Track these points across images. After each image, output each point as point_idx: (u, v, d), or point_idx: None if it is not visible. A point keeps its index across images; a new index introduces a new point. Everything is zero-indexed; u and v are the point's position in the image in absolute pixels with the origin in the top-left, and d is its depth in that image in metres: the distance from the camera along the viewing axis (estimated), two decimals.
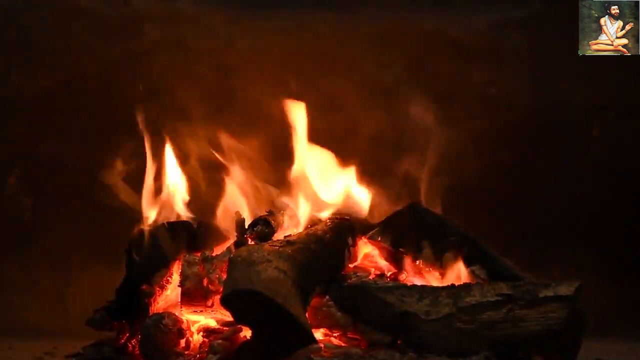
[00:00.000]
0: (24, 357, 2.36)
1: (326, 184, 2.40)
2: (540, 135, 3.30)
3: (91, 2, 3.29)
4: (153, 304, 2.14)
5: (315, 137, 2.62)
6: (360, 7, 2.91)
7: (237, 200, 2.38)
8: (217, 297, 2.06)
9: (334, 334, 2.06)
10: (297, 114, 2.40)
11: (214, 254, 2.17)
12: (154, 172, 2.38)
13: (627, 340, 2.73)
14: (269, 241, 2.10)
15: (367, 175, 2.45)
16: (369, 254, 2.28)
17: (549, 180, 3.28)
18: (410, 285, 2.11)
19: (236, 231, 2.22)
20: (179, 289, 2.13)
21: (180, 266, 2.17)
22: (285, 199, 2.35)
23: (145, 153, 2.41)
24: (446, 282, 2.16)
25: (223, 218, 2.34)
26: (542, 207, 3.25)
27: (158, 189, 2.38)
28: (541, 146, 3.30)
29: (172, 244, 2.24)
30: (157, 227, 2.26)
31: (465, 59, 3.28)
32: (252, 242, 2.15)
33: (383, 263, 2.26)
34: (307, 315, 1.94)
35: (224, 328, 2.04)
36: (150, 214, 2.32)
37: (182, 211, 2.36)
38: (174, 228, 2.27)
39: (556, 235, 3.21)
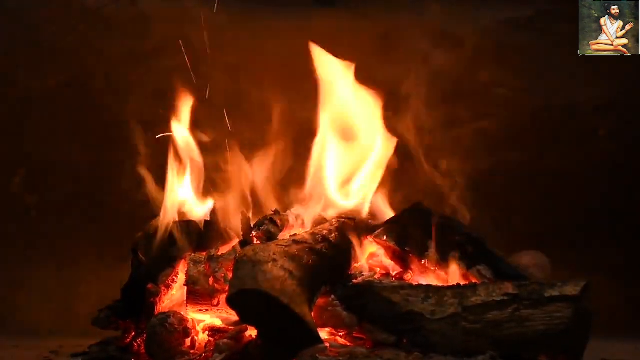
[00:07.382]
0: (30, 355, 2.37)
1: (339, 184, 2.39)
2: (546, 135, 3.29)
3: (98, 2, 3.30)
4: (159, 303, 2.15)
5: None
6: (366, 6, 2.91)
7: (243, 200, 2.38)
8: (222, 296, 2.06)
9: (340, 334, 2.05)
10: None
11: (219, 253, 2.17)
12: (167, 173, 2.38)
13: (634, 341, 2.72)
14: (275, 240, 2.10)
15: None
16: (374, 254, 2.28)
17: (555, 179, 3.27)
18: (416, 284, 2.11)
19: (242, 230, 2.22)
20: (185, 288, 2.13)
21: (186, 265, 2.17)
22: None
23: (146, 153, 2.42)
24: (451, 281, 2.16)
25: (229, 217, 2.33)
26: (548, 206, 3.24)
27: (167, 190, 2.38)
28: (547, 146, 3.29)
29: (182, 243, 2.24)
30: (168, 226, 2.26)
31: (471, 58, 3.27)
32: (258, 242, 2.15)
33: (388, 262, 2.26)
34: (312, 314, 1.94)
35: (230, 327, 2.04)
36: (163, 213, 2.31)
37: (188, 211, 2.36)
38: (180, 227, 2.27)
39: (564, 235, 3.20)
